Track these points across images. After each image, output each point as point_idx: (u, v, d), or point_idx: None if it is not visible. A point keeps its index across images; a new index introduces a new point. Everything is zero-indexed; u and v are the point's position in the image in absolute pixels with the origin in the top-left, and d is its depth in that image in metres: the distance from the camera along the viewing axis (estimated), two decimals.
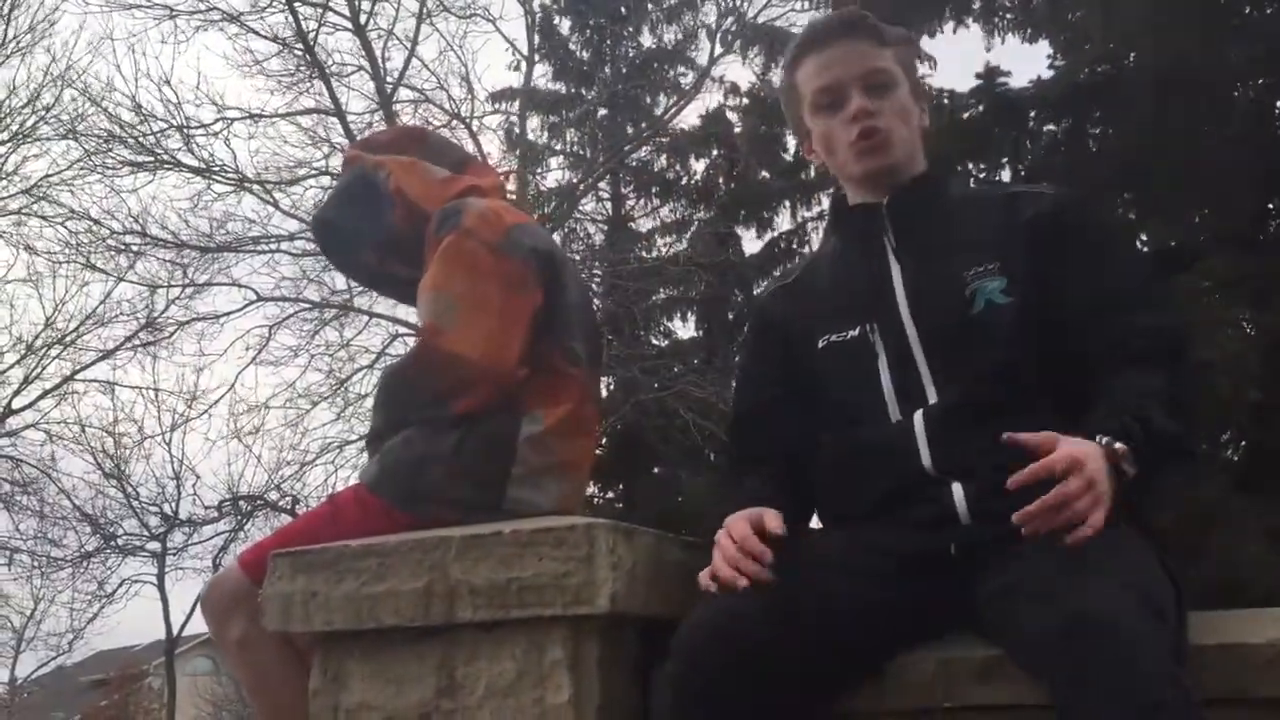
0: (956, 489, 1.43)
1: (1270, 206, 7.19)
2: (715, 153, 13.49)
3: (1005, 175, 7.33)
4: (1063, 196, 1.61)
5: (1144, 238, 7.52)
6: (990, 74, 7.33)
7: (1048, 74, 7.51)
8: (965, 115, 7.31)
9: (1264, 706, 1.25)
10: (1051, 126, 7.57)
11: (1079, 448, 1.26)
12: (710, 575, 1.38)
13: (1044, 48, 8.09)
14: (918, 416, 1.49)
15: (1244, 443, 7.02)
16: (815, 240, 11.92)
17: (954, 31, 7.72)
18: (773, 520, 1.40)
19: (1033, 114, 7.43)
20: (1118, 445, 1.29)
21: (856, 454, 1.55)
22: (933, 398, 1.50)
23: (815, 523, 1.66)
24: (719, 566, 1.37)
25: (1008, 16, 7.56)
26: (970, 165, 7.26)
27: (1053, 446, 1.26)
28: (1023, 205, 1.59)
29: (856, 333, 1.58)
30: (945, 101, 7.24)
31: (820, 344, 1.62)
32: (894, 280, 1.59)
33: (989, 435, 1.42)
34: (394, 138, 2.34)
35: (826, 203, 11.65)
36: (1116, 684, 1.07)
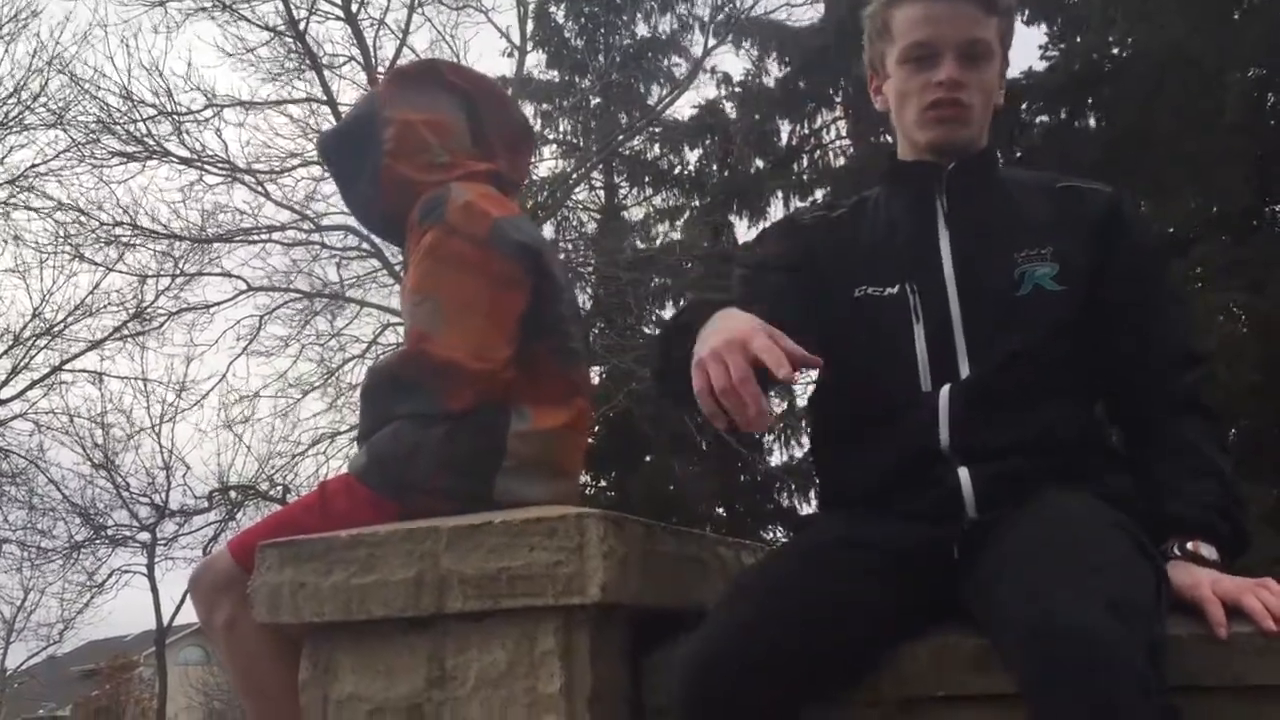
0: (964, 475, 1.42)
1: (1262, 194, 7.21)
2: (708, 140, 13.46)
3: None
4: (1120, 198, 1.59)
5: None
6: None
7: (1039, 64, 7.52)
8: None
9: (1255, 694, 1.25)
10: (1045, 118, 7.57)
11: (1209, 585, 1.30)
12: (704, 411, 1.21)
13: (1035, 35, 8.08)
14: (944, 391, 1.46)
15: (1234, 431, 7.05)
16: None
17: None
18: (786, 343, 1.19)
19: (1025, 103, 7.44)
20: (1202, 551, 1.35)
21: (875, 416, 1.51)
22: (964, 373, 1.48)
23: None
24: (727, 400, 1.18)
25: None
26: None
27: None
28: (1081, 199, 1.58)
29: (896, 291, 1.54)
30: None
31: (856, 293, 1.57)
32: (942, 247, 1.55)
33: (1007, 420, 1.43)
34: (421, 78, 2.19)
35: (820, 195, 11.66)
36: (1081, 688, 1.06)
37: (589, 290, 12.35)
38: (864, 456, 1.51)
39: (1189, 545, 1.36)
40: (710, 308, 1.33)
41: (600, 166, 13.67)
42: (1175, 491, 1.40)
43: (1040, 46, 7.85)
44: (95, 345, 12.99)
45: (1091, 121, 7.61)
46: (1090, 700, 1.06)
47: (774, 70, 12.98)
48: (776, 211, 12.12)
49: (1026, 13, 7.85)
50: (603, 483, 12.54)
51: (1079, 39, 7.43)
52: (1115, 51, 7.31)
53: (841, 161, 12.29)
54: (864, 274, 1.57)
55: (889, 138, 7.11)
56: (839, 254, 1.62)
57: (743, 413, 1.18)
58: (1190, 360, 1.52)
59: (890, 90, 1.63)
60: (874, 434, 1.50)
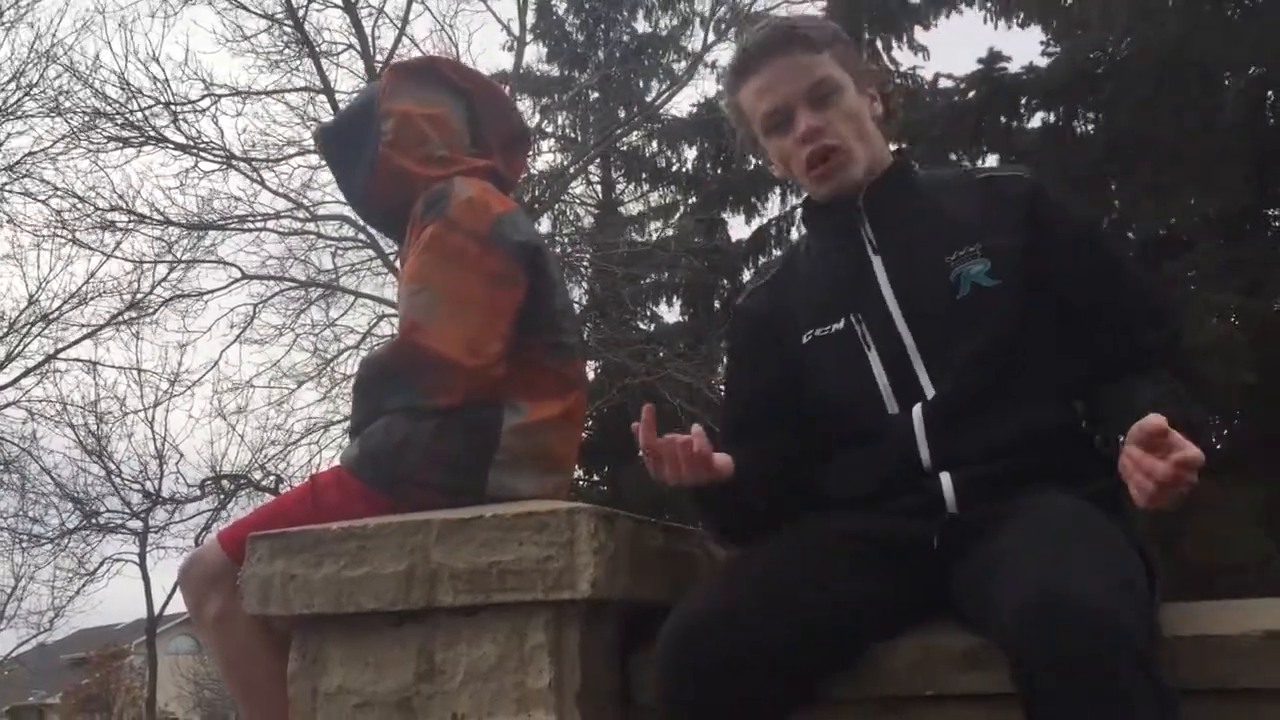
0: (945, 478, 1.43)
1: (1261, 194, 7.21)
2: (704, 142, 13.44)
3: (993, 161, 7.35)
4: (1038, 181, 1.61)
5: (1135, 225, 7.54)
6: (992, 58, 7.32)
7: (1040, 61, 7.51)
8: (956, 100, 7.31)
9: (1243, 697, 1.25)
10: (1043, 114, 7.57)
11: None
12: (656, 459, 1.39)
13: (1035, 33, 8.07)
14: (917, 412, 1.48)
15: (1225, 431, 7.07)
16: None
17: (946, 17, 7.70)
18: (698, 442, 1.39)
19: (1024, 101, 7.44)
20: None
21: (852, 448, 1.53)
22: (929, 389, 1.49)
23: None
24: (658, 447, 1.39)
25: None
26: (960, 152, 7.26)
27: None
28: (1001, 187, 1.59)
29: (842, 325, 1.57)
30: (940, 85, 7.23)
31: (805, 339, 1.61)
32: (877, 274, 1.57)
33: (982, 422, 1.43)
34: (422, 73, 2.20)
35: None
36: (1086, 665, 1.06)
37: (584, 285, 12.33)
38: (852, 479, 1.53)
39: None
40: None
41: (598, 161, 13.65)
42: (1129, 406, 1.34)
43: (1041, 42, 7.85)
44: (92, 333, 12.97)
45: (1090, 121, 7.61)
46: (1095, 675, 1.06)
47: None
48: (772, 209, 12.12)
49: (1022, 15, 7.85)
50: (596, 477, 12.53)
51: (1079, 34, 7.42)
52: (1114, 50, 7.31)
53: None
54: (809, 318, 1.61)
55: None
56: (785, 309, 1.66)
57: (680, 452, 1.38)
58: (1155, 316, 1.51)
59: (775, 161, 1.68)
60: (859, 459, 1.52)
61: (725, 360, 1.87)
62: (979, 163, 7.30)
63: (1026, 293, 1.50)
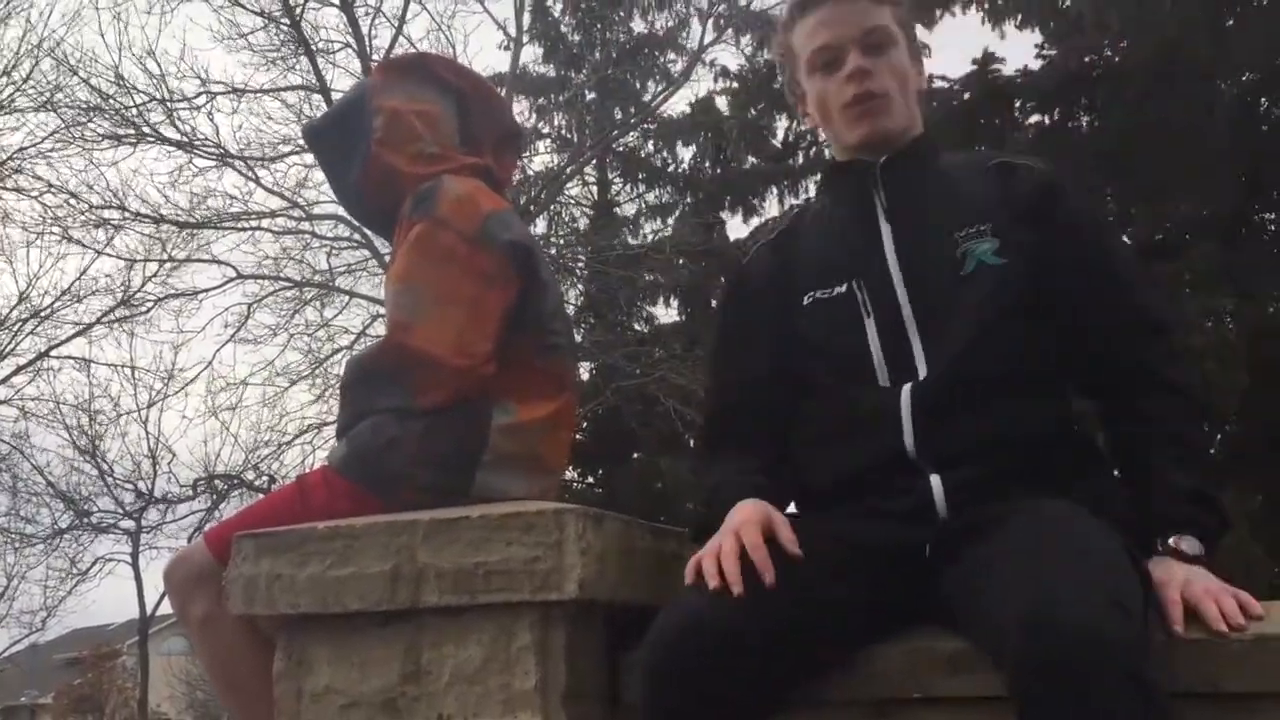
0: (935, 482, 1.42)
1: (1254, 198, 7.23)
2: (703, 136, 13.43)
3: None
4: (1054, 173, 1.60)
5: (1129, 228, 7.54)
6: (986, 60, 7.33)
7: (1035, 64, 7.52)
8: (954, 102, 7.32)
9: (1234, 701, 1.25)
10: (1038, 117, 7.58)
11: (1179, 586, 1.30)
12: (703, 571, 1.31)
13: (1031, 36, 8.08)
14: (905, 392, 1.46)
15: (1219, 436, 7.08)
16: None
17: (940, 18, 7.70)
18: (785, 532, 1.35)
19: (1019, 103, 7.45)
20: (1184, 546, 1.35)
21: (840, 419, 1.52)
22: (922, 367, 1.47)
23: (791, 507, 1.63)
24: (726, 564, 1.29)
25: (999, 2, 7.54)
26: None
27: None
28: (1016, 174, 1.58)
29: (844, 289, 1.55)
30: (936, 87, 7.22)
31: (806, 300, 1.59)
32: (884, 241, 1.56)
33: (973, 419, 1.42)
34: (413, 70, 2.19)
35: (814, 191, 11.64)
36: (1074, 681, 1.06)
37: (579, 286, 12.32)
38: (834, 461, 1.51)
39: (1170, 541, 1.36)
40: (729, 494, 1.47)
41: (594, 162, 13.64)
42: (1157, 485, 1.40)
43: (1036, 45, 7.85)
44: (83, 330, 12.94)
45: (1084, 125, 7.62)
46: (1089, 696, 1.05)
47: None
48: (770, 208, 12.10)
49: (1020, 16, 7.85)
50: (590, 479, 12.52)
51: (1075, 38, 7.43)
52: (1109, 54, 7.32)
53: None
54: (812, 280, 1.60)
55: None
56: (787, 270, 1.65)
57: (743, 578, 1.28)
58: (1156, 328, 1.51)
59: (811, 104, 1.67)
60: (842, 438, 1.51)
61: (715, 337, 1.83)
62: None
63: (1031, 279, 1.50)
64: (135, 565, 14.38)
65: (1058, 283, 1.51)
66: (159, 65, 12.26)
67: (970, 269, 1.50)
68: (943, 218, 1.55)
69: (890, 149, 1.60)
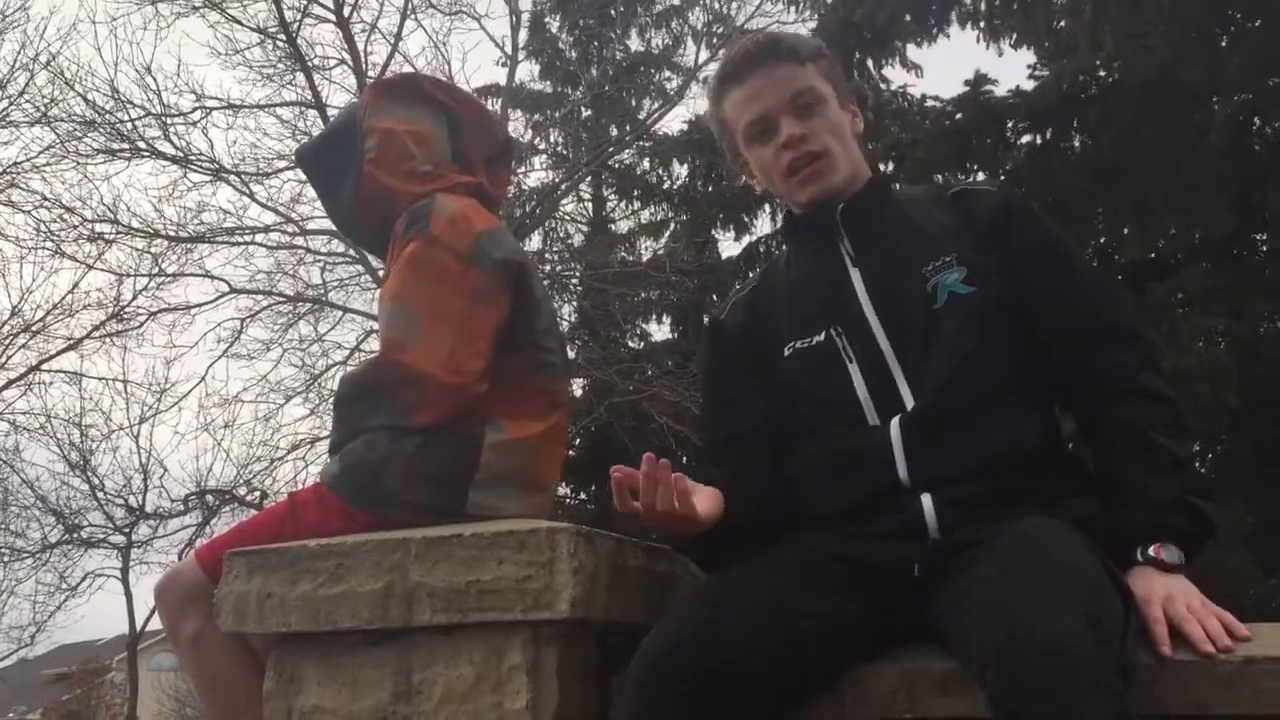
0: (926, 500, 1.43)
1: (1246, 219, 7.26)
2: (692, 158, 13.46)
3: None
4: (1009, 193, 1.64)
5: (1121, 249, 7.57)
6: (978, 80, 7.36)
7: (1027, 84, 7.56)
8: (946, 122, 7.35)
9: None
10: (1030, 137, 7.61)
11: (1160, 602, 1.31)
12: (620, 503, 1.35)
13: (1024, 56, 8.12)
14: (894, 425, 1.48)
15: (1211, 455, 7.09)
16: None
17: (935, 38, 7.74)
18: (705, 502, 1.40)
19: (1010, 124, 7.48)
20: (1163, 555, 1.35)
21: (832, 460, 1.53)
22: (909, 401, 1.49)
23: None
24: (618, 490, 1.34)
25: (995, 21, 7.58)
26: (947, 174, 7.28)
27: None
28: (972, 200, 1.61)
29: (822, 337, 1.58)
30: (927, 106, 7.25)
31: (786, 351, 1.62)
32: (855, 285, 1.59)
33: (963, 442, 1.44)
34: (403, 90, 2.19)
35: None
36: (1052, 704, 1.06)
37: (574, 303, 12.32)
38: (831, 496, 1.53)
39: (1150, 550, 1.36)
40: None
41: (589, 179, 13.67)
42: (1135, 494, 1.40)
43: (1029, 66, 7.90)
44: (74, 344, 12.88)
45: (1077, 145, 7.65)
46: (1058, 713, 1.06)
47: None
48: (763, 226, 12.13)
49: (1015, 35, 7.90)
50: (583, 495, 12.49)
51: (1066, 61, 7.47)
52: (1102, 74, 7.36)
53: None
54: (791, 331, 1.62)
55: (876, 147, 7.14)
56: (765, 322, 1.67)
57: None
58: (1126, 336, 1.52)
59: (755, 171, 1.70)
60: (837, 475, 1.52)
61: (702, 380, 1.84)
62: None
63: (1001, 300, 1.52)
64: (125, 580, 14.26)
65: (1024, 298, 1.53)
66: (155, 80, 12.20)
67: (942, 301, 1.52)
68: (908, 254, 1.57)
69: (843, 198, 1.62)
